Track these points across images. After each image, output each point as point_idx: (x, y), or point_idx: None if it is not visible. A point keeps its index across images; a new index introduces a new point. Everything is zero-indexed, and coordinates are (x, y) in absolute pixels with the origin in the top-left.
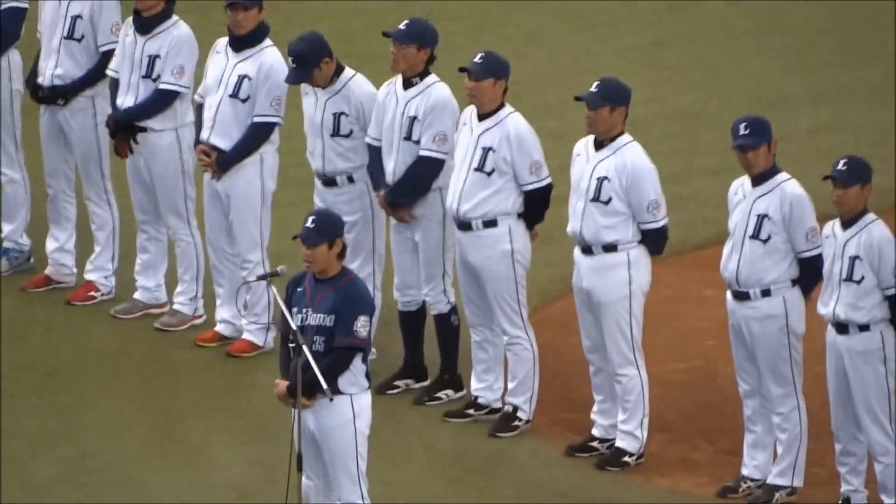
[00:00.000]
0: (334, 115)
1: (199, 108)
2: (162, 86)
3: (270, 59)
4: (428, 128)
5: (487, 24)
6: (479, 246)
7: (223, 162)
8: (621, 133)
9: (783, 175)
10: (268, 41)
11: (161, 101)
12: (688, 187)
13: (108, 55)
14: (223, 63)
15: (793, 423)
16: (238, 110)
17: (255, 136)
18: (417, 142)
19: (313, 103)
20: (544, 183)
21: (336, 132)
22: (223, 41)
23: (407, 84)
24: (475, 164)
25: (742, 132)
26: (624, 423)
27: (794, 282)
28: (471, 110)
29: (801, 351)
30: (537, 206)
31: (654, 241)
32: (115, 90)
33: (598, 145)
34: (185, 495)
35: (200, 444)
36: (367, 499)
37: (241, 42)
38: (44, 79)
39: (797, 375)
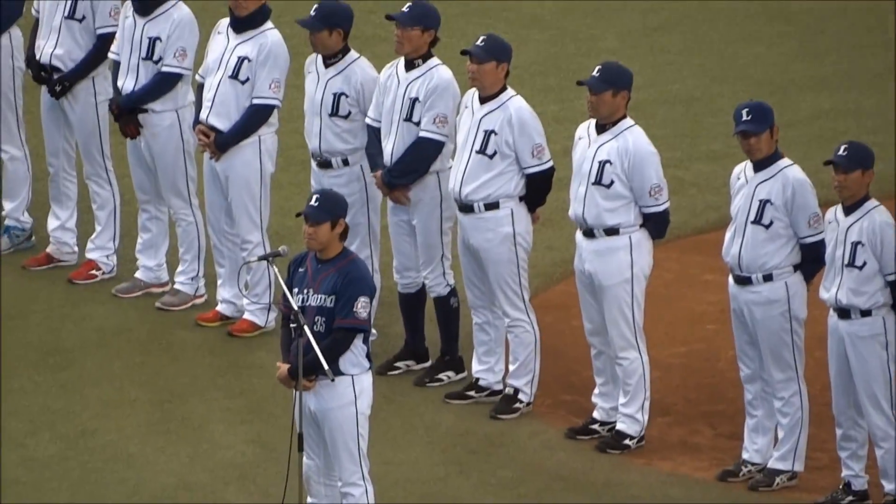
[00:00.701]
0: (334, 94)
1: (199, 89)
2: (165, 69)
3: (271, 41)
4: (429, 109)
5: (490, 7)
6: (480, 228)
7: (221, 143)
8: (623, 117)
9: (785, 161)
10: (269, 24)
11: (164, 83)
12: (689, 172)
13: (105, 39)
14: (224, 44)
15: (794, 408)
16: (237, 91)
17: (253, 117)
18: (418, 123)
19: (314, 82)
20: (546, 166)
21: (335, 112)
22: (225, 22)
23: (409, 66)
24: (477, 146)
25: (744, 118)
26: (625, 406)
27: (796, 267)
28: (472, 93)
29: (803, 336)
30: (539, 189)
31: (655, 224)
32: (117, 72)
33: (600, 129)
34: (186, 474)
35: (201, 424)
36: (367, 479)
37: (243, 24)
38: (41, 56)
39: (798, 360)
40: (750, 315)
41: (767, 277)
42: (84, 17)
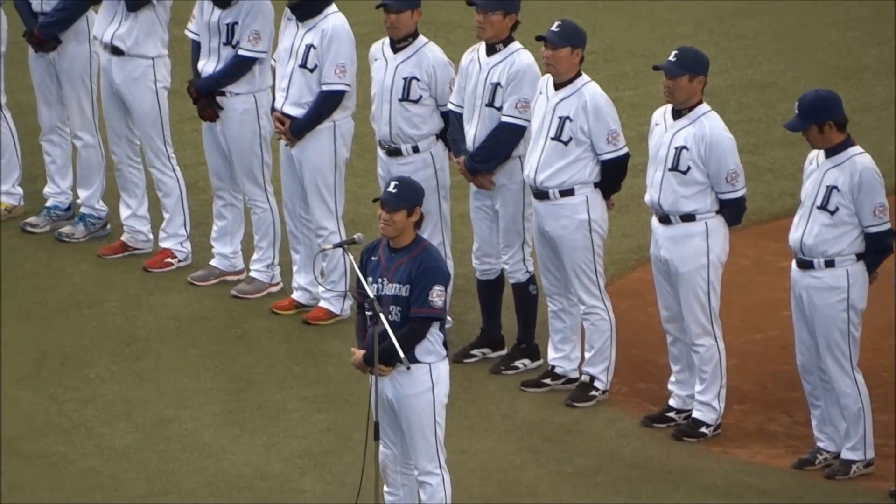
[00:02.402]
0: (405, 79)
1: (274, 74)
2: (241, 52)
3: (332, 26)
4: (510, 94)
5: None
6: (556, 215)
7: (296, 130)
8: (700, 102)
9: (856, 149)
10: (332, 8)
11: (239, 67)
12: (765, 158)
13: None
14: (293, 32)
15: (852, 400)
16: (308, 79)
17: (324, 104)
18: (500, 108)
19: (383, 68)
20: (622, 152)
21: (405, 97)
22: None
23: (490, 50)
24: (552, 133)
25: (796, 111)
26: (701, 393)
27: (860, 256)
28: (547, 79)
29: (860, 327)
30: (614, 176)
31: (732, 211)
32: (198, 54)
33: (677, 114)
34: (262, 463)
35: (277, 412)
36: (444, 468)
37: (306, 11)
38: (104, 35)
39: (854, 351)
40: (808, 301)
41: (829, 263)
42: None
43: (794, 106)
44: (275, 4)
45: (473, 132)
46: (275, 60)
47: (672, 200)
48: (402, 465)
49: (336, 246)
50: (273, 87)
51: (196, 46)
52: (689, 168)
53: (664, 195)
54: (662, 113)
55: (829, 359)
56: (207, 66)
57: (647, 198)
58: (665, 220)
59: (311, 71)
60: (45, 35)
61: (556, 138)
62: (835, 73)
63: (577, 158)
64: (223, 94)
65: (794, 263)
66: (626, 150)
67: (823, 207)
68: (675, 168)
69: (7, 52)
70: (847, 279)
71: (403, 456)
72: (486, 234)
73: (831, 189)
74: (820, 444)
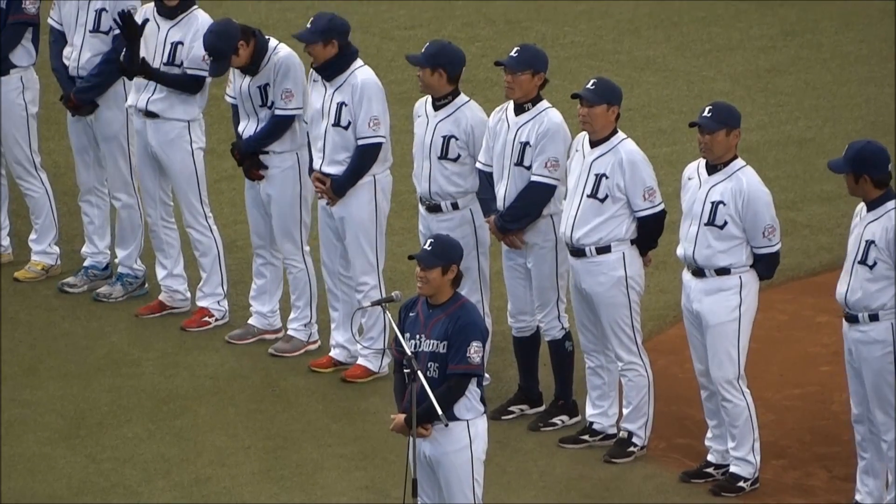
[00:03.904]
0: (444, 137)
1: (306, 134)
2: (277, 112)
3: (361, 81)
4: (540, 153)
5: (600, 50)
6: (592, 272)
7: (337, 187)
8: (735, 157)
9: (893, 203)
10: (358, 62)
11: (278, 127)
12: (802, 213)
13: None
14: (322, 92)
15: None
16: (344, 137)
17: (362, 159)
18: (529, 167)
19: (423, 126)
20: (658, 209)
21: (444, 155)
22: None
23: (519, 109)
24: (588, 190)
25: (843, 153)
26: (735, 449)
27: None
28: (583, 136)
29: None
30: (651, 232)
31: (766, 265)
32: (237, 117)
33: (712, 169)
34: None
35: (315, 470)
36: None
37: (333, 70)
38: (138, 101)
39: None
40: (857, 353)
41: (873, 317)
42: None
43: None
44: (300, 55)
45: (503, 191)
46: (306, 123)
47: (707, 255)
48: None
49: (374, 304)
50: (308, 148)
51: (235, 109)
52: (725, 223)
53: (699, 249)
54: (696, 167)
55: (878, 410)
56: (248, 127)
57: (679, 251)
58: (699, 273)
59: (346, 129)
60: (81, 100)
61: (593, 196)
62: (872, 130)
63: (614, 215)
64: (266, 153)
65: (843, 318)
66: (662, 206)
67: (863, 262)
68: (711, 223)
69: (43, 112)
70: (892, 333)
71: None
72: (520, 292)
73: (869, 244)
74: (858, 498)
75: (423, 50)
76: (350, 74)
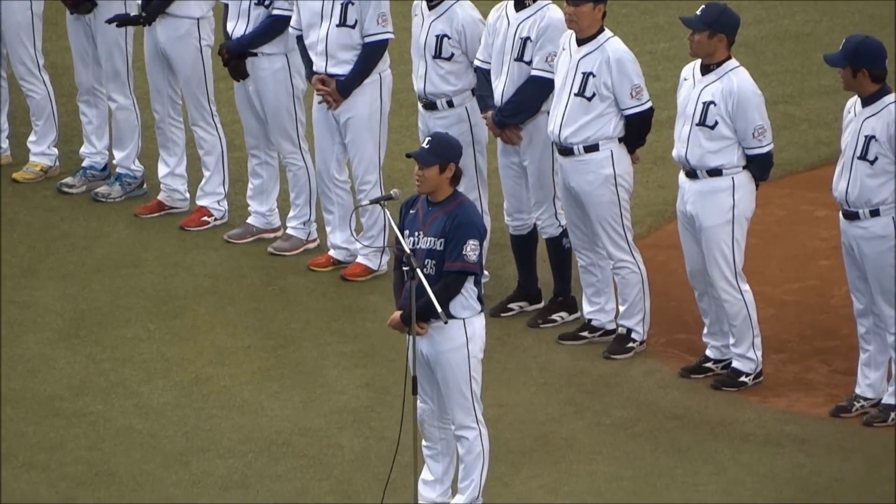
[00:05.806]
0: (437, 37)
1: (299, 41)
2: (275, 11)
3: None
4: (540, 48)
5: None
6: (581, 171)
7: (343, 88)
8: (728, 58)
9: (892, 97)
10: None
11: (274, 26)
12: (800, 108)
13: None
14: None
15: None
16: (349, 35)
17: (370, 56)
18: (529, 62)
19: (419, 25)
20: (645, 107)
21: (438, 54)
22: None
23: (519, 6)
24: (575, 89)
25: (840, 48)
26: (735, 346)
27: None
28: (569, 35)
29: None
30: (639, 130)
31: (759, 167)
32: (225, 16)
33: (705, 69)
34: (300, 419)
35: (315, 368)
36: (481, 421)
37: None
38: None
39: None
40: (858, 250)
41: (874, 213)
42: None
43: (831, 57)
44: None
45: (502, 87)
46: (297, 29)
47: (699, 155)
48: (439, 420)
49: (373, 202)
50: (302, 54)
51: (224, 9)
52: (716, 123)
53: (691, 150)
54: (692, 68)
55: (884, 304)
56: (238, 26)
57: (674, 152)
58: (692, 174)
59: (352, 27)
60: None
61: (580, 94)
62: (871, 22)
63: (601, 114)
64: (254, 54)
65: (840, 214)
66: (650, 104)
67: (863, 158)
68: (702, 123)
69: (44, 13)
70: (894, 227)
71: (440, 411)
72: (516, 190)
73: (869, 139)
74: (858, 391)
75: None
76: None
